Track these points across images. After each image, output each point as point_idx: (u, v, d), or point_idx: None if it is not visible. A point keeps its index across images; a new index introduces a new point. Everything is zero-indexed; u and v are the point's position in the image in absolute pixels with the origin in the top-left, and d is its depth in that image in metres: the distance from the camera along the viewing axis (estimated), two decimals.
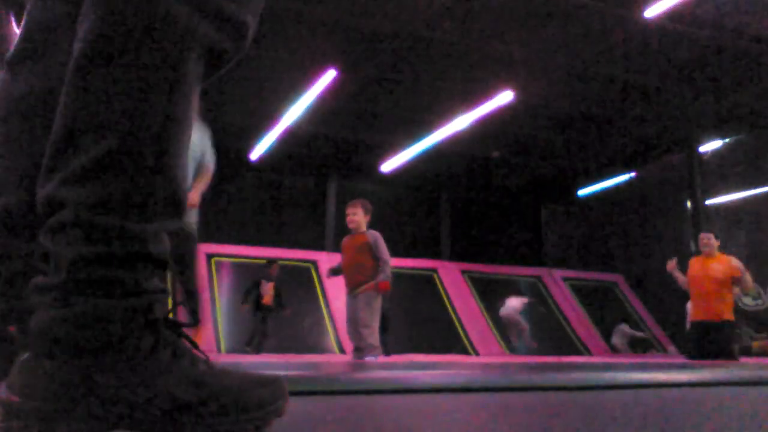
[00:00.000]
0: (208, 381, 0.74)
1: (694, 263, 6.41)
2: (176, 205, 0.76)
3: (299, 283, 10.69)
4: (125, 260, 0.72)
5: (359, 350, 5.03)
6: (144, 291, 0.73)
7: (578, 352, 11.20)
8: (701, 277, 6.19)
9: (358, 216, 5.41)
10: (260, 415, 0.76)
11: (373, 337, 5.02)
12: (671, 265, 6.50)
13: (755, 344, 10.38)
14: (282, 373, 1.54)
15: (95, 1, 0.73)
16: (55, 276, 0.71)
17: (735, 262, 6.15)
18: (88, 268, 0.71)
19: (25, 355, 0.71)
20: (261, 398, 0.76)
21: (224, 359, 5.53)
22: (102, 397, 0.70)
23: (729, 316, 6.06)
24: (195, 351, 0.78)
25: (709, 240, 6.29)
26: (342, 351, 9.74)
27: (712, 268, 6.17)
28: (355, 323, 5.11)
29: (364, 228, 5.39)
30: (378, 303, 5.18)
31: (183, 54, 0.74)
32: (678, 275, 6.46)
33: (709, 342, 6.02)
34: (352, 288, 5.23)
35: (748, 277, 6.11)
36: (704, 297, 6.15)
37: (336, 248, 12.49)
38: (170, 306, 0.81)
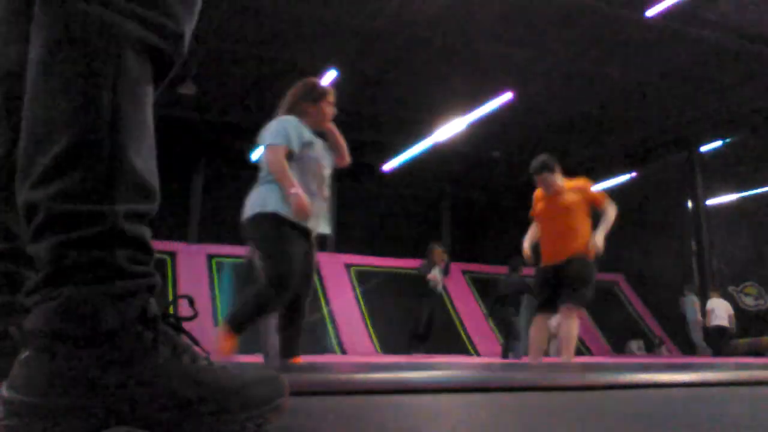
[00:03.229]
0: (208, 379, 0.75)
1: (540, 199, 4.91)
2: (141, 189, 0.78)
3: None
4: (99, 240, 0.74)
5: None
6: (128, 274, 0.75)
7: (578, 352, 11.19)
8: (550, 214, 4.79)
9: None
10: (260, 413, 0.76)
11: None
12: (526, 252, 5.02)
13: (764, 339, 10.42)
14: (282, 373, 1.54)
15: (41, 21, 0.79)
16: (41, 274, 0.74)
17: (588, 183, 4.82)
18: (67, 255, 0.73)
19: (25, 353, 0.72)
20: (261, 396, 0.77)
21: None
22: (101, 393, 0.70)
23: (585, 251, 4.68)
24: (196, 348, 0.79)
25: (546, 180, 4.72)
26: (342, 351, 9.74)
27: (562, 199, 4.74)
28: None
29: None
30: None
31: (119, 50, 0.78)
32: (528, 240, 5.02)
33: (559, 280, 4.64)
34: None
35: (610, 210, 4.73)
36: (555, 236, 4.75)
37: (337, 248, 12.51)
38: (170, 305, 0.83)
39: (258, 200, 3.19)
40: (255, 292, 3.19)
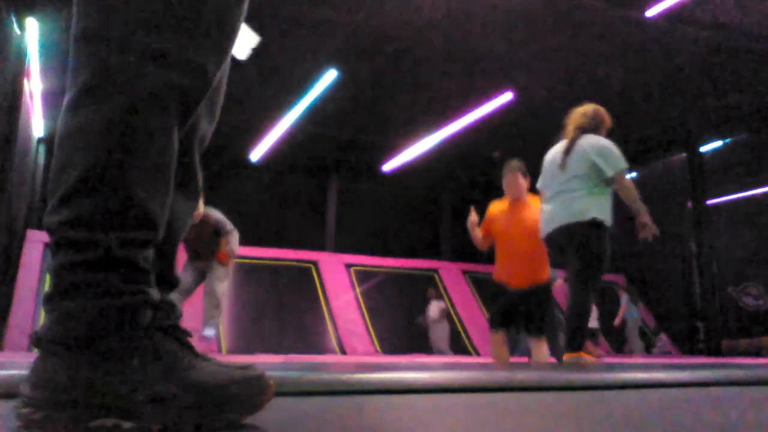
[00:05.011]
0: (188, 377, 0.85)
1: (497, 212, 4.62)
2: (140, 219, 0.88)
3: (299, 283, 10.69)
4: (94, 264, 0.85)
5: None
6: (119, 293, 0.86)
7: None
8: (511, 233, 4.48)
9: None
10: (235, 410, 0.85)
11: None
12: (472, 219, 4.69)
13: (764, 339, 10.47)
14: (282, 373, 1.54)
15: (71, 67, 0.89)
16: (49, 288, 0.87)
17: None
18: (67, 275, 0.85)
19: (37, 354, 0.86)
20: (238, 394, 0.85)
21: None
22: (91, 389, 0.83)
23: (545, 276, 4.53)
24: (184, 351, 0.89)
25: (517, 180, 4.49)
26: (342, 351, 9.75)
27: (524, 218, 4.45)
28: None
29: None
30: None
31: (135, 95, 0.87)
32: (475, 232, 4.70)
33: (527, 310, 4.44)
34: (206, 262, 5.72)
35: None
36: (517, 258, 4.46)
37: (337, 248, 12.51)
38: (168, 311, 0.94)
39: (592, 209, 3.71)
40: (573, 302, 3.65)
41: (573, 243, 3.72)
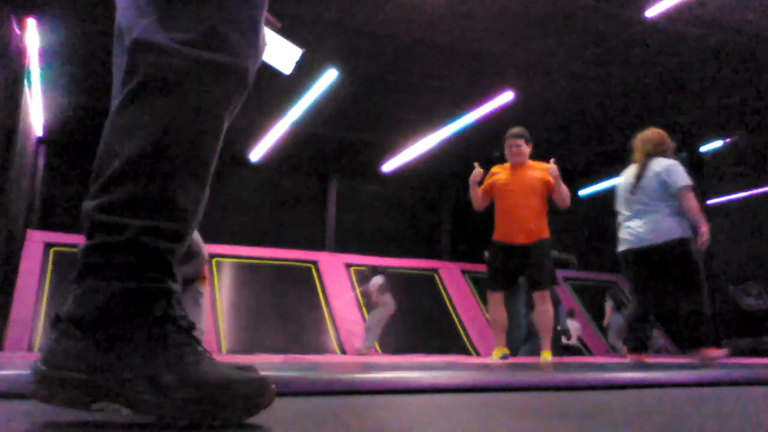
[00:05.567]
0: (191, 371, 0.86)
1: (500, 173, 4.88)
2: (170, 211, 0.91)
3: (299, 283, 10.69)
4: (119, 247, 0.88)
5: None
6: (139, 277, 0.88)
7: (578, 352, 11.20)
8: (511, 188, 4.71)
9: None
10: (234, 409, 0.86)
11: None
12: (476, 173, 4.87)
13: (764, 339, 10.47)
14: (282, 373, 1.54)
15: (124, 67, 0.95)
16: (75, 269, 0.91)
17: (551, 165, 4.65)
18: (92, 255, 0.89)
19: (54, 333, 0.90)
20: (238, 394, 0.86)
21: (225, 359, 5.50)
22: (95, 371, 0.85)
23: (546, 234, 4.68)
24: (192, 347, 0.90)
25: (520, 147, 4.76)
26: (342, 351, 9.75)
27: (525, 176, 4.72)
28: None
29: None
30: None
31: (182, 96, 0.92)
32: (475, 189, 4.89)
33: (521, 266, 4.62)
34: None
35: (563, 186, 4.66)
36: (515, 213, 4.67)
37: (337, 248, 12.51)
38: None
39: (677, 228, 4.11)
40: (693, 308, 4.03)
41: (667, 262, 4.13)
